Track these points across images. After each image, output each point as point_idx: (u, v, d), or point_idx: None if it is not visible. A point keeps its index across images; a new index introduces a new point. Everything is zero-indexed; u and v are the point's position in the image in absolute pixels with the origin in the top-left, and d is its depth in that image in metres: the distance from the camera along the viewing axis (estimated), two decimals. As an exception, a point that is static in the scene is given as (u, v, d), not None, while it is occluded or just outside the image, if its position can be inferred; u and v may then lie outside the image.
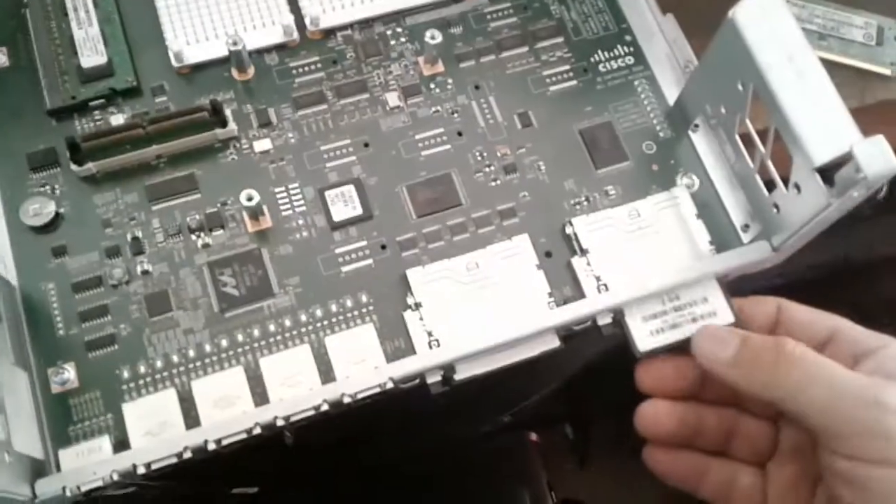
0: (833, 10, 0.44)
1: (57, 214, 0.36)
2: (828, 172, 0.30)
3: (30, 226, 0.35)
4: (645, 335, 0.34)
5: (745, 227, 0.37)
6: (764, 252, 0.35)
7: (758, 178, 0.35)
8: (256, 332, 0.34)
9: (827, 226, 0.32)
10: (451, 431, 0.59)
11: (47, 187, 0.36)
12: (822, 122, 0.30)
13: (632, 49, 0.41)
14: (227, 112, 0.38)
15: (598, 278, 0.35)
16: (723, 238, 0.37)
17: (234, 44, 0.37)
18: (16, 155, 0.37)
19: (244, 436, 0.31)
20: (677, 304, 0.35)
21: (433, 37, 0.38)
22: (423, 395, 0.33)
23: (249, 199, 0.35)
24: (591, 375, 0.53)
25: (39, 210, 0.36)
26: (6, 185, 0.36)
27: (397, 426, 0.52)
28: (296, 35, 0.40)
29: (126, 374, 0.34)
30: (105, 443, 0.32)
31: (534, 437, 0.67)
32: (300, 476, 0.55)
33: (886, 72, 0.43)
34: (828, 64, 0.44)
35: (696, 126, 0.39)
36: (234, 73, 0.39)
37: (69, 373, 0.33)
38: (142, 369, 0.34)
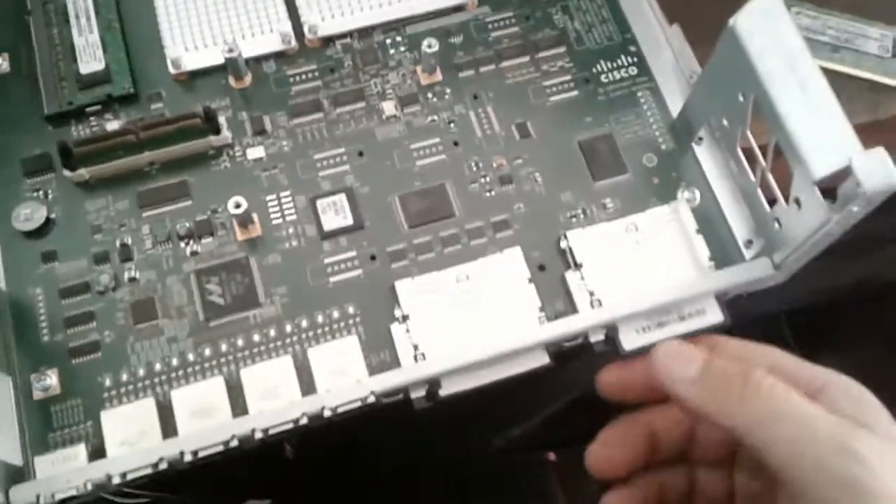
0: (847, 21, 0.42)
1: (48, 220, 0.36)
2: (828, 186, 0.29)
3: (20, 230, 0.35)
4: (630, 332, 0.33)
5: (749, 243, 0.36)
6: (766, 269, 0.33)
7: (760, 192, 0.34)
8: (240, 342, 0.34)
9: (830, 242, 0.31)
10: (460, 442, 0.58)
11: (40, 192, 0.36)
12: (822, 135, 0.29)
13: (636, 59, 0.40)
14: (222, 119, 0.38)
15: (591, 293, 0.34)
16: (725, 254, 0.36)
17: (230, 51, 0.37)
18: (11, 160, 0.37)
19: (221, 448, 0.31)
20: (666, 302, 0.33)
21: (430, 45, 0.38)
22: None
23: (237, 206, 0.34)
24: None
25: (31, 215, 0.36)
26: (-1, 190, 0.37)
27: (403, 432, 0.51)
28: (294, 43, 0.39)
29: (108, 382, 0.33)
30: (81, 451, 0.31)
31: (552, 456, 0.66)
32: (310, 487, 0.55)
33: (902, 85, 0.42)
34: (840, 76, 0.43)
35: (700, 139, 0.38)
36: (231, 80, 0.39)
37: (52, 379, 0.33)
38: (124, 377, 0.33)
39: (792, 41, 0.31)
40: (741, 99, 0.32)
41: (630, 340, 0.33)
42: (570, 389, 0.56)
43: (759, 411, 0.27)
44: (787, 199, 0.32)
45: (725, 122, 0.34)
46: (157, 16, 0.39)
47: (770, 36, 0.31)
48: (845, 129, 0.29)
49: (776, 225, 0.33)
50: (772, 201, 0.33)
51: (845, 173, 0.28)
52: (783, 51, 0.30)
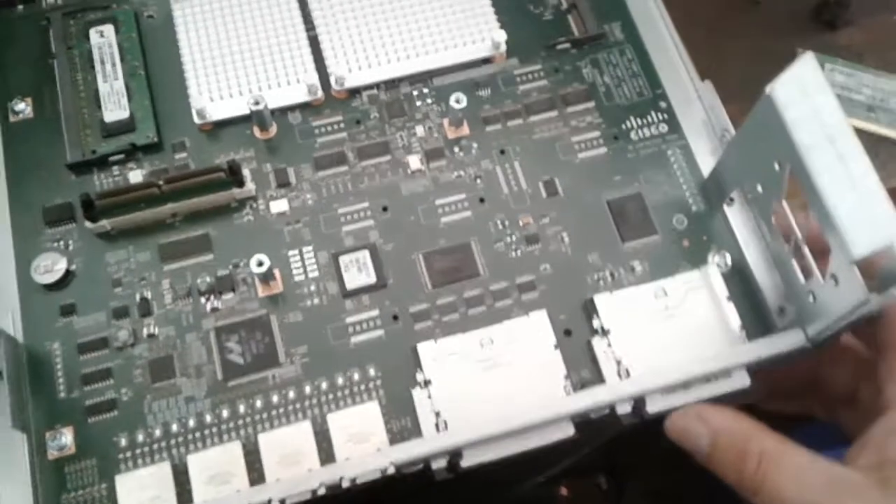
0: (884, 79, 0.41)
1: (68, 272, 0.35)
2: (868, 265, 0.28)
3: (40, 283, 0.35)
4: (655, 395, 0.32)
5: (781, 311, 0.35)
6: (798, 341, 0.32)
7: (794, 262, 0.33)
8: (259, 404, 0.33)
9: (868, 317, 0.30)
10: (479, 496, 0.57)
11: (61, 243, 0.36)
12: (862, 213, 0.28)
13: (666, 116, 0.39)
14: (246, 171, 0.37)
15: (618, 362, 0.34)
16: (756, 320, 0.35)
17: (256, 103, 0.37)
18: (33, 208, 0.37)
19: (237, 517, 0.30)
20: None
21: (458, 101, 0.37)
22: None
23: (260, 264, 0.34)
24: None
25: (51, 266, 0.35)
26: (20, 238, 0.36)
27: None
28: (320, 94, 0.39)
29: (124, 443, 0.33)
30: (95, 516, 0.31)
31: (564, 491, 0.65)
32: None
33: (938, 148, 0.41)
34: (874, 138, 0.42)
35: (732, 200, 0.37)
36: (256, 131, 0.38)
37: (67, 437, 0.33)
38: (140, 438, 0.33)
39: (831, 113, 0.30)
40: (777, 168, 0.31)
41: (653, 403, 0.32)
42: (598, 438, 0.55)
43: (762, 481, 0.28)
44: (822, 272, 0.31)
45: (759, 188, 0.33)
46: (183, 64, 0.39)
47: (808, 106, 0.30)
48: (886, 206, 0.28)
49: (811, 298, 0.32)
50: (806, 271, 0.32)
51: (886, 253, 0.27)
52: (822, 122, 0.30)
